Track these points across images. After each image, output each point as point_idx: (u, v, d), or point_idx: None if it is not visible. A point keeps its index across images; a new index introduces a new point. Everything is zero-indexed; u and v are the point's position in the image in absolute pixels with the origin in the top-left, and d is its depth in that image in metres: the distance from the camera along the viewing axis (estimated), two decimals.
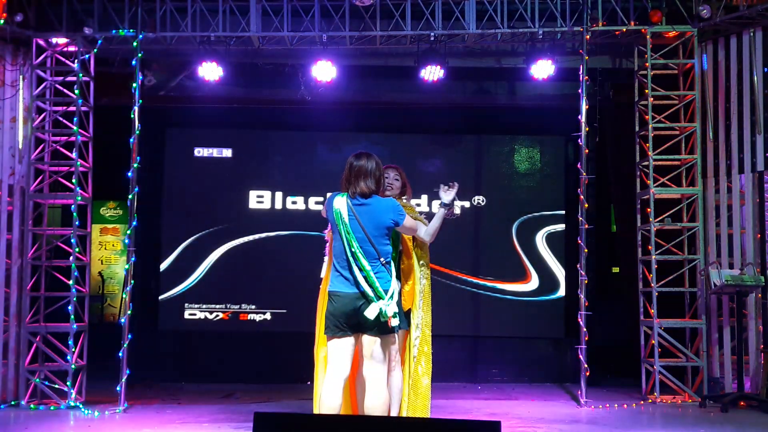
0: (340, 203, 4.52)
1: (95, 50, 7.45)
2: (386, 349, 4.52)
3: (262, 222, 8.87)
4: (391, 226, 4.54)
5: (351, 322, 4.44)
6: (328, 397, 4.44)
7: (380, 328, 4.41)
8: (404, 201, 5.10)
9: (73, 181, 7.21)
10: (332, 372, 4.48)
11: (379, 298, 4.36)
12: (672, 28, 7.43)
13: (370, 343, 4.46)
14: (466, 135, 9.12)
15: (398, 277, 4.85)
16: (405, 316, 4.88)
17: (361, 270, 4.39)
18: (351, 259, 4.42)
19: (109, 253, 11.41)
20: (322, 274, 4.91)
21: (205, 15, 7.41)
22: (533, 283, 8.87)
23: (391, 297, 4.40)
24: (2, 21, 6.84)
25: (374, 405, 4.45)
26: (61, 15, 7.33)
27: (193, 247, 8.82)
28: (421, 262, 5.05)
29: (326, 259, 4.90)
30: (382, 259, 4.45)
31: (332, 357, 4.50)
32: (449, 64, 7.66)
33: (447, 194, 4.84)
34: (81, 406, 6.92)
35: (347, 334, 4.47)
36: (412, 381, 4.95)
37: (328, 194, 4.72)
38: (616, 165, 8.83)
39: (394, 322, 4.39)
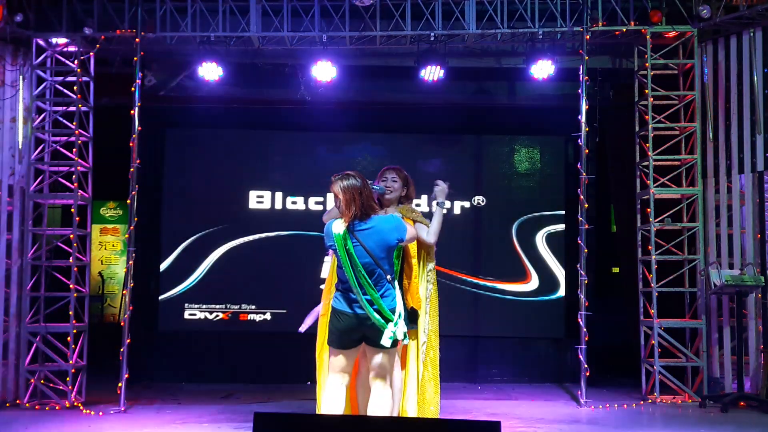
0: (339, 229, 4.39)
1: (95, 50, 7.45)
2: (391, 360, 4.53)
3: (262, 222, 8.85)
4: (395, 245, 4.48)
5: (354, 336, 4.44)
6: (329, 402, 4.45)
7: None
8: (407, 206, 5.08)
9: (73, 181, 7.21)
10: (333, 378, 4.49)
11: (386, 319, 4.32)
12: (672, 28, 7.43)
13: (376, 355, 4.46)
14: (466, 135, 9.10)
15: (401, 279, 4.83)
16: (408, 314, 4.85)
17: (366, 294, 4.33)
18: (356, 285, 4.32)
19: (109, 253, 11.41)
20: (324, 274, 4.91)
21: (205, 15, 7.41)
22: (533, 283, 8.86)
23: (399, 316, 4.37)
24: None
25: (377, 414, 4.42)
26: (61, 15, 7.33)
27: (193, 247, 8.81)
28: (429, 267, 5.03)
29: (328, 258, 4.88)
30: (388, 277, 4.41)
31: (334, 364, 4.51)
32: (449, 64, 7.66)
33: (442, 192, 4.95)
34: (81, 406, 6.92)
35: (349, 348, 4.48)
36: (420, 387, 4.94)
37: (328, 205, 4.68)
38: (616, 165, 8.83)
39: (405, 342, 4.44)
